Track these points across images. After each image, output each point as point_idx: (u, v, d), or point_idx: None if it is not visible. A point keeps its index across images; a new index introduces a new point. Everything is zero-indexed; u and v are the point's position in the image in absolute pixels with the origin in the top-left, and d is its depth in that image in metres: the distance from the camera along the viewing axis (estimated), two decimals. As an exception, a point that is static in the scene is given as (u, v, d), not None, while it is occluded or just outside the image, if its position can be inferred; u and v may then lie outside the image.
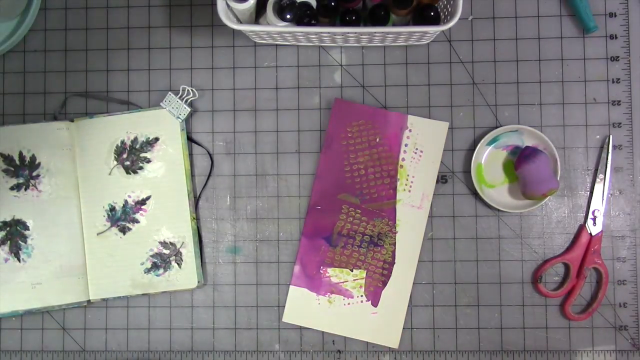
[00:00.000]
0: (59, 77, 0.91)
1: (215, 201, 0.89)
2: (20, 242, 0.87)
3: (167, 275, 0.87)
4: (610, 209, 0.87)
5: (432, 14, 0.79)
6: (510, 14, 0.88)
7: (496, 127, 0.87)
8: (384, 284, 0.87)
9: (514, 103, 0.88)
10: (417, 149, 0.87)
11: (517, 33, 0.88)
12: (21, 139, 0.88)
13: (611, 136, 0.87)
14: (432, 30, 0.78)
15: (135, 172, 0.88)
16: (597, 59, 0.88)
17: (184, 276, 0.87)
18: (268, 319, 0.88)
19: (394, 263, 0.87)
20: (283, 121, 0.89)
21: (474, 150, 0.86)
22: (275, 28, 0.79)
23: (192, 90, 0.89)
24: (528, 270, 0.87)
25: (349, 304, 0.87)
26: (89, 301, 0.88)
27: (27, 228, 0.88)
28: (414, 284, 0.87)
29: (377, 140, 0.88)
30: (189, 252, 0.87)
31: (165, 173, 0.88)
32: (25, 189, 0.88)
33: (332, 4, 0.80)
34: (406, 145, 0.87)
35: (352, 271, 0.87)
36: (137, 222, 0.88)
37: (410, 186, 0.87)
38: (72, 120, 0.89)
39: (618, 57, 0.88)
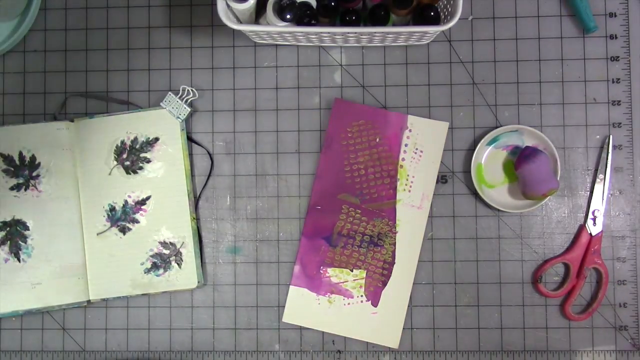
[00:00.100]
0: (59, 77, 0.91)
1: (215, 201, 0.89)
2: (20, 242, 0.87)
3: (167, 275, 0.87)
4: (610, 209, 0.87)
5: (432, 14, 0.79)
6: (510, 14, 0.88)
7: (496, 127, 0.87)
8: (384, 284, 0.87)
9: (514, 103, 0.88)
10: (417, 149, 0.87)
11: (517, 33, 0.88)
12: (21, 139, 0.88)
13: (611, 136, 0.87)
14: (432, 30, 0.78)
15: (135, 172, 0.88)
16: (597, 59, 0.88)
17: (184, 276, 0.87)
18: (268, 319, 0.88)
19: (394, 263, 0.87)
20: (283, 121, 0.89)
21: (474, 150, 0.86)
22: (275, 28, 0.79)
23: (192, 90, 0.89)
24: (528, 270, 0.87)
25: (349, 304, 0.87)
26: (89, 301, 0.88)
27: (27, 228, 0.88)
28: (414, 284, 0.87)
29: (377, 140, 0.88)
30: (189, 252, 0.87)
31: (165, 173, 0.88)
32: (25, 189, 0.88)
33: (332, 4, 0.80)
34: (406, 145, 0.87)
35: (352, 271, 0.87)
36: (137, 222, 0.88)
37: (410, 186, 0.87)
38: (72, 120, 0.89)
39: (618, 57, 0.88)
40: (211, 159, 0.89)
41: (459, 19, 0.76)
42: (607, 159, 0.87)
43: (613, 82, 0.88)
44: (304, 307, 0.87)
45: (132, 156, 0.88)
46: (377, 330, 0.86)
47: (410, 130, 0.88)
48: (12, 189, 0.88)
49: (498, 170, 0.88)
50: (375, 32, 0.80)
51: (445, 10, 0.80)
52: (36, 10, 0.90)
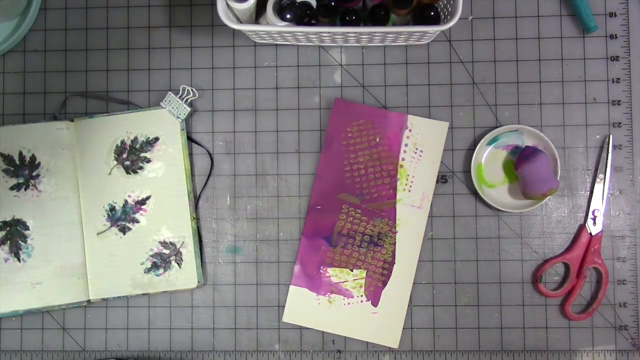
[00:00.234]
0: (59, 77, 0.91)
1: (215, 201, 0.89)
2: (20, 242, 0.87)
3: (167, 275, 0.87)
4: (610, 209, 0.87)
5: (432, 14, 0.79)
6: (510, 14, 0.88)
7: (496, 127, 0.87)
8: (384, 283, 0.87)
9: (514, 103, 0.88)
10: (417, 148, 0.87)
11: (517, 33, 0.88)
12: (21, 139, 0.88)
13: (611, 136, 0.87)
14: (432, 30, 0.78)
15: (135, 172, 0.88)
16: (597, 58, 0.88)
17: (184, 276, 0.87)
18: (268, 319, 0.88)
19: (394, 263, 0.87)
20: (283, 121, 0.89)
21: (474, 150, 0.86)
22: (275, 28, 0.79)
23: (192, 90, 0.89)
24: (528, 270, 0.87)
25: (349, 303, 0.87)
26: (89, 301, 0.88)
27: (27, 228, 0.88)
28: (414, 284, 0.87)
29: (377, 140, 0.88)
30: (189, 252, 0.87)
31: (165, 173, 0.88)
32: (25, 189, 0.88)
33: (332, 4, 0.80)
34: (406, 145, 0.87)
35: (352, 271, 0.87)
36: (137, 222, 0.88)
37: (410, 186, 0.87)
38: (72, 120, 0.89)
39: (618, 57, 0.88)
40: (211, 158, 0.89)
41: (459, 19, 0.76)
42: (607, 158, 0.87)
43: (613, 82, 0.88)
44: (304, 307, 0.87)
45: (132, 156, 0.88)
46: (377, 330, 0.86)
47: (410, 130, 0.88)
48: (12, 188, 0.88)
49: (498, 170, 0.88)
50: (375, 32, 0.80)
51: (445, 10, 0.80)
52: (36, 10, 0.90)
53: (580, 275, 0.86)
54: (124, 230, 0.88)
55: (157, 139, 0.88)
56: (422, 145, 0.87)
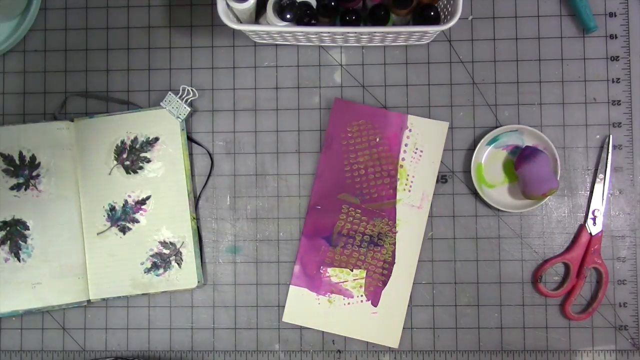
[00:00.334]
0: (59, 77, 0.91)
1: (215, 201, 0.89)
2: (20, 242, 0.87)
3: (167, 275, 0.87)
4: (610, 209, 0.87)
5: (432, 13, 0.79)
6: (510, 14, 0.88)
7: (496, 127, 0.87)
8: (384, 283, 0.87)
9: (514, 103, 0.88)
10: (417, 148, 0.87)
11: (517, 33, 0.88)
12: (21, 139, 0.88)
13: (611, 136, 0.87)
14: (432, 30, 0.78)
15: (135, 172, 0.88)
16: (597, 58, 0.88)
17: (184, 276, 0.87)
18: (268, 319, 0.88)
19: (394, 263, 0.87)
20: (283, 121, 0.89)
21: (474, 150, 0.86)
22: (275, 28, 0.79)
23: (192, 90, 0.89)
24: (528, 270, 0.87)
25: (349, 303, 0.87)
26: (89, 301, 0.88)
27: (27, 228, 0.88)
28: (414, 284, 0.87)
29: (377, 140, 0.88)
30: (189, 252, 0.87)
31: (165, 173, 0.88)
32: (25, 189, 0.88)
33: (332, 4, 0.80)
34: (406, 145, 0.87)
35: (352, 271, 0.87)
36: (137, 222, 0.88)
37: (410, 186, 0.87)
38: (72, 120, 0.89)
39: (618, 57, 0.88)
40: (211, 158, 0.89)
41: (459, 18, 0.76)
42: (607, 158, 0.87)
43: (613, 82, 0.88)
44: (304, 307, 0.87)
45: (132, 156, 0.88)
46: (377, 330, 0.86)
47: (410, 130, 0.88)
48: (12, 188, 0.88)
49: (498, 170, 0.88)
50: (375, 32, 0.80)
51: (445, 10, 0.80)
52: (36, 10, 0.90)
53: (580, 275, 0.86)
54: (124, 230, 0.88)
55: (157, 139, 0.88)
56: (422, 145, 0.87)
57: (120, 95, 0.90)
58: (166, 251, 0.88)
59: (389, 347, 0.87)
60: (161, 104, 0.88)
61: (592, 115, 0.88)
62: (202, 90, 0.90)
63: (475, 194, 0.87)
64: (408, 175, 0.87)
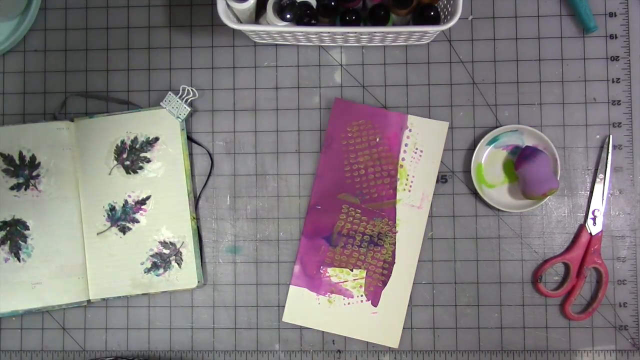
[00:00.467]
0: (59, 77, 0.91)
1: (215, 201, 0.89)
2: (20, 242, 0.87)
3: (167, 275, 0.87)
4: (610, 209, 0.87)
5: (432, 13, 0.79)
6: (510, 14, 0.88)
7: (496, 127, 0.87)
8: (384, 283, 0.87)
9: (514, 103, 0.88)
10: (417, 148, 0.87)
11: (517, 33, 0.88)
12: (21, 139, 0.88)
13: (611, 136, 0.87)
14: (432, 30, 0.78)
15: (135, 172, 0.88)
16: (597, 58, 0.88)
17: (184, 276, 0.87)
18: (268, 319, 0.88)
19: (394, 263, 0.87)
20: (283, 121, 0.89)
21: (474, 150, 0.86)
22: (275, 28, 0.79)
23: (192, 90, 0.89)
24: (528, 270, 0.87)
25: (349, 303, 0.87)
26: (89, 301, 0.88)
27: (27, 228, 0.88)
28: (414, 284, 0.87)
29: (377, 140, 0.88)
30: (189, 252, 0.88)
31: (165, 173, 0.88)
32: (25, 189, 0.88)
33: (332, 4, 0.80)
34: (406, 145, 0.87)
35: (352, 271, 0.87)
36: (137, 222, 0.88)
37: (410, 186, 0.87)
38: (72, 120, 0.89)
39: (618, 57, 0.88)
40: (211, 158, 0.89)
41: (459, 18, 0.76)
42: (607, 158, 0.87)
43: (613, 82, 0.88)
44: (304, 307, 0.87)
45: (132, 156, 0.88)
46: (377, 330, 0.86)
47: (410, 130, 0.88)
48: (12, 188, 0.88)
49: (498, 170, 0.88)
50: (375, 32, 0.80)
51: (445, 10, 0.80)
52: (36, 10, 0.90)
53: (580, 275, 0.86)
54: (124, 230, 0.88)
55: (157, 139, 0.88)
56: (422, 145, 0.87)
57: (120, 95, 0.90)
58: (166, 251, 0.88)
59: (389, 347, 0.87)
60: (161, 104, 0.88)
61: (592, 115, 0.88)
62: (202, 90, 0.90)
63: (475, 194, 0.87)
64: (408, 175, 0.87)
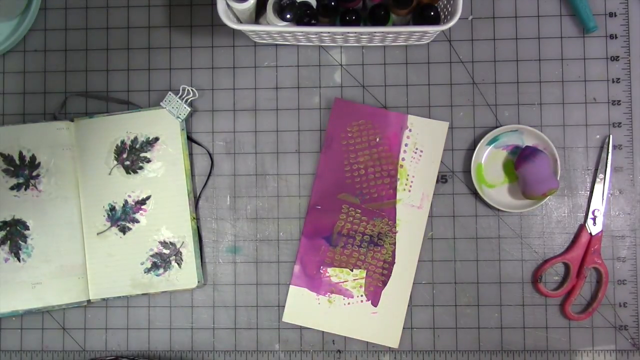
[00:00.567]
0: (59, 77, 0.91)
1: (215, 201, 0.89)
2: (20, 242, 0.87)
3: (167, 275, 0.87)
4: (610, 209, 0.87)
5: (432, 13, 0.79)
6: (510, 14, 0.88)
7: (496, 127, 0.87)
8: (384, 283, 0.87)
9: (514, 103, 0.88)
10: (417, 148, 0.87)
11: (517, 33, 0.88)
12: (21, 139, 0.88)
13: (611, 136, 0.87)
14: (432, 30, 0.78)
15: (135, 172, 0.88)
16: (597, 58, 0.88)
17: (184, 276, 0.87)
18: (268, 319, 0.88)
19: (394, 263, 0.87)
20: (283, 121, 0.89)
21: (474, 150, 0.86)
22: (275, 28, 0.79)
23: (192, 90, 0.89)
24: (528, 270, 0.87)
25: (349, 303, 0.87)
26: (89, 301, 0.88)
27: (27, 228, 0.88)
28: (414, 283, 0.87)
29: (377, 140, 0.88)
30: (189, 252, 0.88)
31: (165, 173, 0.88)
32: (25, 189, 0.88)
33: (332, 4, 0.80)
34: (406, 145, 0.87)
35: (352, 271, 0.87)
36: (137, 222, 0.88)
37: (410, 186, 0.87)
38: (72, 120, 0.89)
39: (618, 57, 0.88)
40: (211, 158, 0.89)
41: (459, 18, 0.76)
42: (607, 158, 0.87)
43: (613, 82, 0.88)
44: (304, 307, 0.87)
45: (132, 156, 0.88)
46: (377, 330, 0.86)
47: (410, 130, 0.88)
48: (12, 188, 0.88)
49: (498, 170, 0.88)
50: (375, 32, 0.80)
51: (445, 10, 0.80)
52: (36, 10, 0.90)
53: (580, 275, 0.86)
54: (124, 230, 0.88)
55: (157, 139, 0.88)
56: (422, 145, 0.87)
57: (120, 95, 0.90)
58: (166, 251, 0.88)
59: (389, 347, 0.87)
60: (161, 104, 0.88)
61: (592, 115, 0.88)
62: (202, 90, 0.90)
63: (475, 194, 0.87)
64: (408, 175, 0.87)
